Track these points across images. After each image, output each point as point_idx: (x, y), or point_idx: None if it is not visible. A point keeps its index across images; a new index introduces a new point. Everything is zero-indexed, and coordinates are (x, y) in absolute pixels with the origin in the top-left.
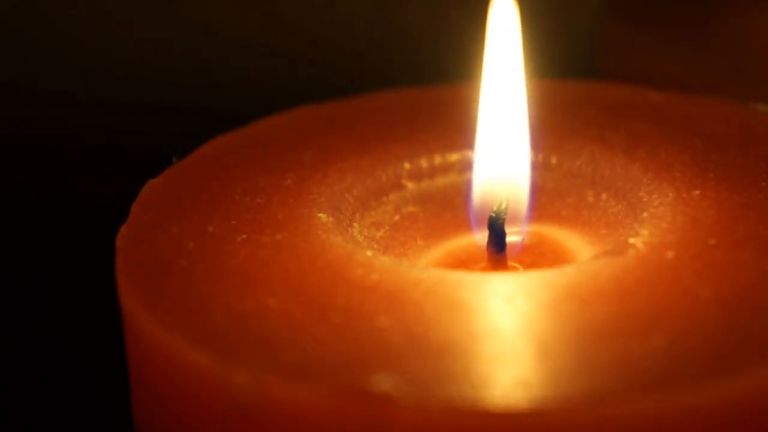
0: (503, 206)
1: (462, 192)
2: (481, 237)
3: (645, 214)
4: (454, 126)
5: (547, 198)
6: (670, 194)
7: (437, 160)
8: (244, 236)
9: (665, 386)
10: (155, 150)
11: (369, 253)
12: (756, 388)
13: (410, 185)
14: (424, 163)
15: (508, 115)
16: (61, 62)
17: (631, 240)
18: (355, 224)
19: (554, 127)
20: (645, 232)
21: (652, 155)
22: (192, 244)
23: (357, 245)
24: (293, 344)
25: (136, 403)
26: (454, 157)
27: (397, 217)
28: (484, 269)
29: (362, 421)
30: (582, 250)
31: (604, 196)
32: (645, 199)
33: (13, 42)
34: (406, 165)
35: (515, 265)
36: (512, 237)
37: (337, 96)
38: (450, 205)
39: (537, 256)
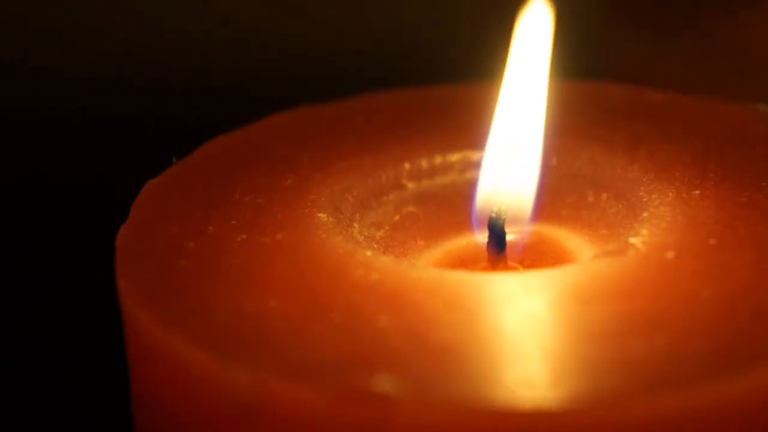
0: (503, 206)
1: (462, 192)
2: (481, 237)
3: (645, 214)
4: (454, 126)
5: (547, 198)
6: (670, 194)
7: (437, 160)
8: (244, 236)
9: (666, 386)
10: (155, 149)
11: (369, 253)
12: (756, 388)
13: (410, 185)
14: (424, 163)
15: (525, 119)
16: (61, 60)
17: (631, 240)
18: (355, 224)
19: (554, 127)
20: (645, 232)
21: (652, 155)
22: (192, 244)
23: (357, 245)
24: (293, 344)
25: (136, 403)
26: (454, 157)
27: (397, 217)
28: (484, 269)
29: (363, 421)
30: (582, 250)
31: (604, 196)
32: (645, 199)
33: (13, 37)
34: (406, 165)
35: (515, 265)
36: (512, 236)
37: (337, 96)
38: (450, 205)
39: (537, 256)
